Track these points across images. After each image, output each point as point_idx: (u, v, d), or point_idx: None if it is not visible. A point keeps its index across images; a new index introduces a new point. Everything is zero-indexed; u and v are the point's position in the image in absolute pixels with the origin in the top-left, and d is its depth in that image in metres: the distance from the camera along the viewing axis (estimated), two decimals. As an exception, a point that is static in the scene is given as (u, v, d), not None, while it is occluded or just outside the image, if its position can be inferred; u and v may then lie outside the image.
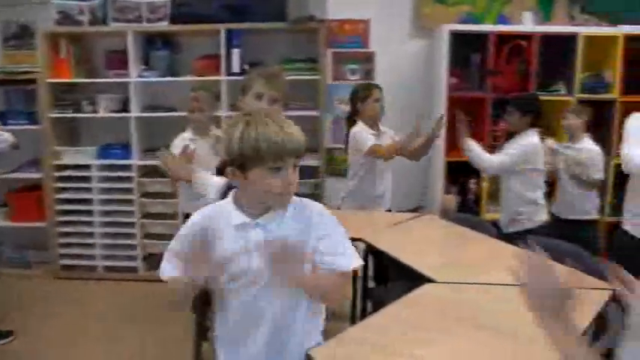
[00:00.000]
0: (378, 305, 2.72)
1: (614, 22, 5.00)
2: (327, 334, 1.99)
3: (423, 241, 3.27)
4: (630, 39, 4.72)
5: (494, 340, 2.02)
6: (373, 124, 4.05)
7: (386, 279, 3.65)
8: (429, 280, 2.58)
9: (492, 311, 2.27)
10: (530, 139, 3.81)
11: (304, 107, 4.82)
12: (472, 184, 4.66)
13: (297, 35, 5.00)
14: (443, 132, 4.60)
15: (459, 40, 4.67)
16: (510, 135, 3.97)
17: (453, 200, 4.58)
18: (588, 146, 4.11)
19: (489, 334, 2.05)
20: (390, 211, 4.10)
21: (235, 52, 4.89)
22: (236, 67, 4.88)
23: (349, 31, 4.92)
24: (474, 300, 2.39)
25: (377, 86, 4.11)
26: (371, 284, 3.78)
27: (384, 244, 3.14)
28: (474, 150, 3.87)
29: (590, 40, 4.71)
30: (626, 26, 4.88)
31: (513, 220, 3.87)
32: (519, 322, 1.83)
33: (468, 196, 4.70)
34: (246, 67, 4.83)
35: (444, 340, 2.02)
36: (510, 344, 1.97)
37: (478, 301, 2.38)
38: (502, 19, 5.09)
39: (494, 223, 3.80)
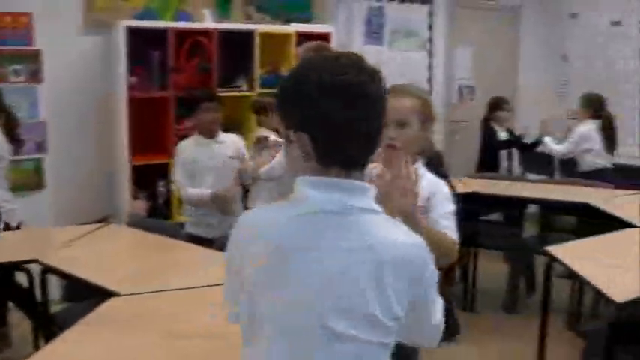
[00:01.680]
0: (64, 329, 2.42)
1: (287, 21, 5.25)
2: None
3: (107, 254, 2.99)
4: (302, 36, 4.98)
5: (199, 344, 1.95)
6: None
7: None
8: (113, 294, 2.35)
9: (185, 315, 2.18)
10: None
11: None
12: (161, 187, 4.46)
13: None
14: (126, 135, 4.35)
15: (138, 37, 4.43)
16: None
17: (142, 206, 4.33)
18: None
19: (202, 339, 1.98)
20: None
21: None
22: None
23: (9, 26, 4.33)
24: (164, 307, 2.28)
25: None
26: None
27: (62, 262, 2.80)
28: None
29: (266, 37, 4.86)
30: (297, 24, 5.15)
31: None
32: (214, 324, 1.86)
33: (158, 200, 4.49)
34: None
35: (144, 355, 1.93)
36: (216, 345, 1.89)
37: (169, 308, 2.26)
38: (182, 16, 4.98)
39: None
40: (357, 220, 1.18)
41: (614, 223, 3.40)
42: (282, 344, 1.17)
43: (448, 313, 1.86)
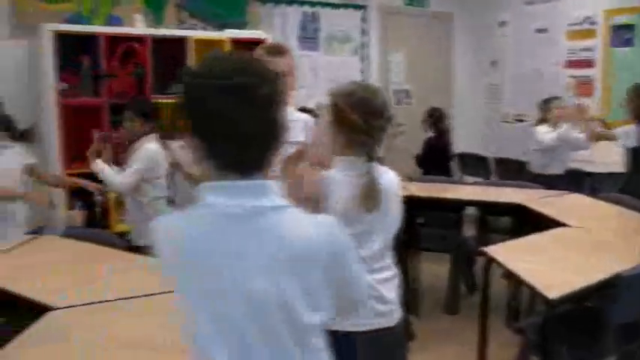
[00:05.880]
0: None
1: (221, 27, 5.21)
2: None
3: (42, 266, 2.87)
4: (236, 42, 4.95)
5: (143, 355, 1.89)
6: None
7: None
8: (49, 309, 2.26)
9: (133, 326, 2.11)
10: (151, 145, 3.67)
11: None
12: (98, 196, 4.32)
13: None
14: (59, 142, 4.23)
15: (67, 42, 4.30)
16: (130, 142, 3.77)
17: (79, 216, 4.20)
18: None
19: (146, 350, 1.90)
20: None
21: None
22: None
23: None
24: (104, 319, 2.19)
25: None
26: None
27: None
28: (104, 172, 3.61)
29: (200, 43, 4.80)
30: (231, 30, 5.10)
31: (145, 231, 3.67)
32: (157, 334, 1.88)
33: (96, 209, 4.35)
34: None
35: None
36: (161, 355, 1.85)
37: (108, 319, 2.18)
38: (113, 20, 4.86)
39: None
40: (262, 220, 1.18)
41: (545, 222, 3.50)
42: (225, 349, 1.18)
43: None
